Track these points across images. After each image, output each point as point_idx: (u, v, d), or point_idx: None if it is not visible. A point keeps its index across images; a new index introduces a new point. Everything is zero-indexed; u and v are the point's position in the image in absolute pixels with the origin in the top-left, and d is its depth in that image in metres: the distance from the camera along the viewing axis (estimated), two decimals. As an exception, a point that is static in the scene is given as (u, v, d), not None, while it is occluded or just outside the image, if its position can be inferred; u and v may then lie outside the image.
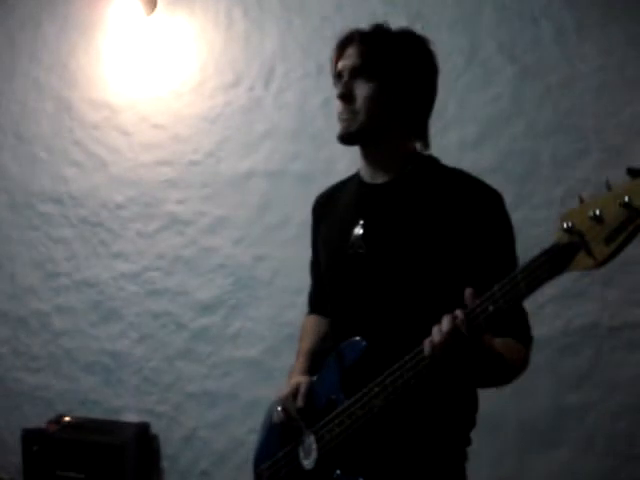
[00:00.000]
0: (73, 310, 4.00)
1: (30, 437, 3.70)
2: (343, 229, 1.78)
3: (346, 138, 1.72)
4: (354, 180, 1.85)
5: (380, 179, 1.75)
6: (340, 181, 1.96)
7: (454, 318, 1.39)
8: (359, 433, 1.64)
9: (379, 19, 1.76)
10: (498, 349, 1.48)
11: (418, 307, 1.64)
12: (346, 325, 1.77)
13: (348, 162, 3.09)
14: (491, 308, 1.36)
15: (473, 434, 1.75)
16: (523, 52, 3.00)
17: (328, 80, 3.21)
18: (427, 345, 1.44)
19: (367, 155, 1.77)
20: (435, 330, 1.42)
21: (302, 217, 3.27)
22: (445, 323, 1.40)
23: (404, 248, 1.66)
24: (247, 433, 3.43)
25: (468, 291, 1.40)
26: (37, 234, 3.92)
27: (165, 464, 3.77)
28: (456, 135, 3.06)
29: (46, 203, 4.03)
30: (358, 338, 1.69)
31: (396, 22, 1.76)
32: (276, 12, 3.48)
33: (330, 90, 3.21)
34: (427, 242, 1.63)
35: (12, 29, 4.19)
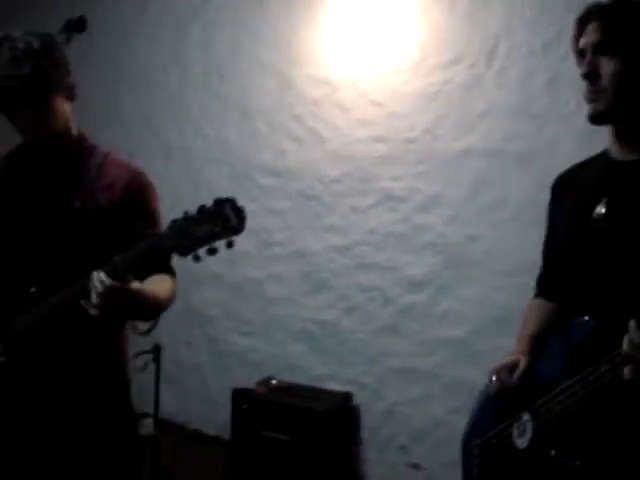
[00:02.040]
0: (285, 279, 4.16)
1: (239, 396, 3.85)
2: (584, 208, 1.72)
3: (596, 118, 1.66)
4: (599, 159, 1.79)
5: (631, 156, 1.67)
6: (583, 161, 1.90)
7: None
8: (579, 414, 1.60)
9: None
10: None
11: None
12: (577, 304, 1.72)
13: (572, 143, 3.02)
14: None
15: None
16: None
17: (554, 58, 3.17)
18: None
19: (617, 133, 1.70)
20: None
21: (520, 198, 3.24)
22: None
23: None
24: (447, 412, 3.43)
25: None
26: (255, 205, 4.12)
27: (365, 435, 3.84)
28: None
29: (265, 176, 4.22)
30: (587, 318, 1.65)
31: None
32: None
33: (555, 69, 3.17)
34: None
35: (236, 7, 4.36)
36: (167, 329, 4.45)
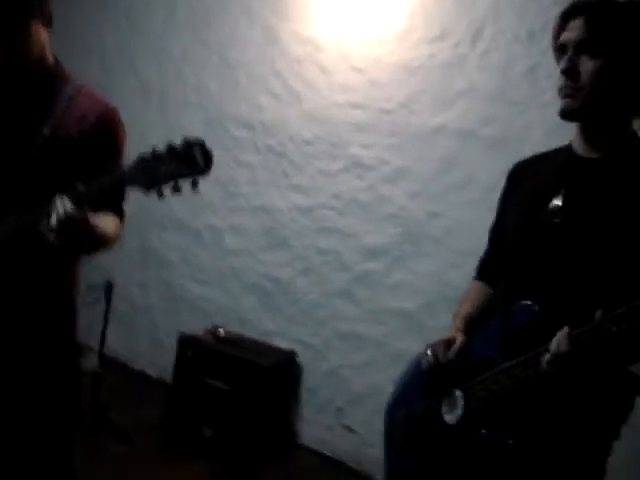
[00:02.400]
0: (245, 232, 4.17)
1: (185, 342, 3.86)
2: (540, 198, 1.75)
3: (568, 114, 1.66)
4: (562, 152, 1.81)
5: (594, 154, 1.70)
6: (543, 152, 1.92)
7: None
8: (514, 395, 1.64)
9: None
10: None
11: (600, 282, 1.60)
12: (521, 289, 1.75)
13: (545, 131, 3.06)
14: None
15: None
16: None
17: (537, 47, 3.20)
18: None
19: (584, 130, 1.71)
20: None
21: (487, 181, 3.28)
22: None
23: (602, 223, 1.61)
24: (387, 381, 3.42)
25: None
26: (225, 155, 4.14)
27: (305, 394, 3.91)
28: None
29: (239, 128, 4.21)
30: (530, 302, 1.68)
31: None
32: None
33: (537, 58, 3.20)
34: (627, 222, 1.58)
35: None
36: (122, 268, 4.47)
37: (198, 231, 4.38)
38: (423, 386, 1.95)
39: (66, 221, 1.64)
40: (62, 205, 1.64)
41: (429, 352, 1.85)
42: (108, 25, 4.83)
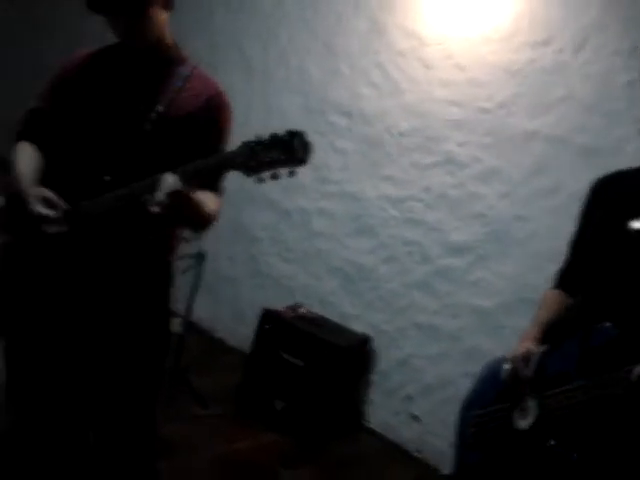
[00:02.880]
0: (334, 216, 4.30)
1: (267, 316, 4.00)
2: (622, 218, 1.80)
3: None
4: None
5: None
6: (627, 169, 1.96)
7: None
8: (586, 412, 1.71)
9: None
10: None
11: None
12: (602, 305, 1.82)
13: (638, 146, 3.04)
14: None
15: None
16: None
17: (637, 62, 3.17)
18: None
19: None
20: None
21: (575, 189, 3.26)
22: None
23: None
24: (458, 375, 3.56)
25: None
26: (322, 140, 4.22)
27: (375, 378, 4.01)
28: None
29: (337, 114, 4.32)
30: (610, 325, 1.75)
31: None
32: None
33: (636, 72, 3.18)
34: None
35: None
36: (213, 240, 4.64)
37: (288, 211, 4.53)
38: (497, 392, 2.04)
39: (172, 196, 1.77)
40: (170, 181, 1.77)
41: (509, 366, 1.95)
42: (218, 3, 5.01)
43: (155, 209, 1.79)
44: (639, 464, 1.71)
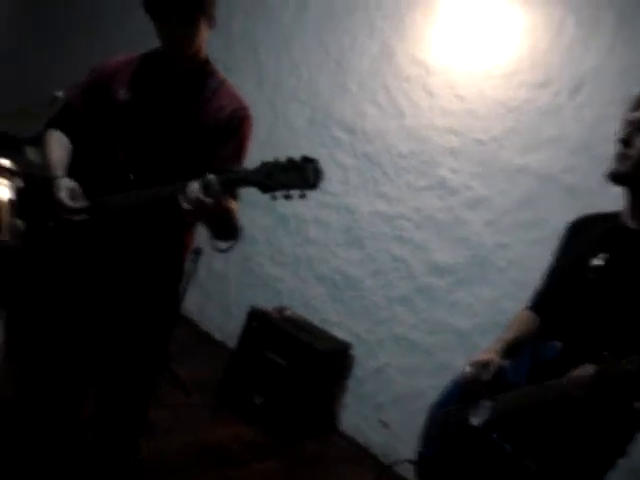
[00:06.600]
0: (328, 226, 4.47)
1: (254, 315, 4.16)
2: (585, 256, 2.03)
3: (613, 176, 1.96)
4: (614, 219, 2.06)
5: (636, 225, 1.97)
6: (600, 213, 2.17)
7: None
8: (526, 413, 1.97)
9: None
10: None
11: (620, 335, 1.88)
12: (555, 328, 2.06)
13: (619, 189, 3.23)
14: None
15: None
16: None
17: (629, 112, 3.35)
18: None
19: (632, 201, 1.99)
20: None
21: (558, 224, 3.42)
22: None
23: (633, 290, 1.89)
24: (430, 387, 3.69)
25: None
26: (323, 152, 4.35)
27: (351, 383, 4.19)
28: None
29: (340, 129, 4.48)
30: (558, 343, 1.99)
31: None
32: (607, 30, 3.51)
33: (628, 121, 3.35)
34: None
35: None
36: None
37: (286, 217, 4.69)
38: (460, 394, 2.25)
39: (210, 195, 1.86)
40: (212, 183, 1.86)
41: (471, 368, 2.15)
42: (237, 4, 5.15)
43: (186, 206, 1.88)
44: (562, 458, 1.95)
